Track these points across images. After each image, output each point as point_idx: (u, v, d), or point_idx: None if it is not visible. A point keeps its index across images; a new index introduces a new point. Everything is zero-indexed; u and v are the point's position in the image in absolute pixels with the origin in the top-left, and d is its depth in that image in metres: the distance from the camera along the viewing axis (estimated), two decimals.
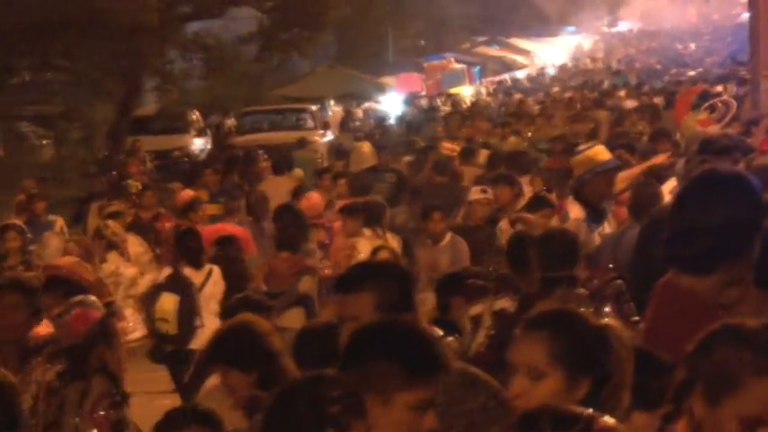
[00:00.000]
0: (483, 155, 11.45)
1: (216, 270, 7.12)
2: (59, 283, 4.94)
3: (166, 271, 7.17)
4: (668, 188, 5.65)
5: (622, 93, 21.25)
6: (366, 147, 14.46)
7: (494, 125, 16.95)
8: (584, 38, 55.31)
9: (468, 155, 11.44)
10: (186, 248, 7.11)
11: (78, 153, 23.13)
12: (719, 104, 8.10)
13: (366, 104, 29.45)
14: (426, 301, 5.35)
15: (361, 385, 2.33)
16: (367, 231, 7.67)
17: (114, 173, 15.19)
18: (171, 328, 6.80)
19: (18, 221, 8.94)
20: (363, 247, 7.35)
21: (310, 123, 23.63)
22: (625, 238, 5.13)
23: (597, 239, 5.78)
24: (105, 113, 23.62)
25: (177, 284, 6.90)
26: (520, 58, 44.29)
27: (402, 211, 9.28)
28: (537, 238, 4.74)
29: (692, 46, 46.75)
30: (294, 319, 6.61)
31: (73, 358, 4.26)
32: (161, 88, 25.68)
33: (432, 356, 2.40)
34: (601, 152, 6.21)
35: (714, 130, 7.33)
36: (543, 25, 51.51)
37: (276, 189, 10.32)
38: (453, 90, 32.93)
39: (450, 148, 12.35)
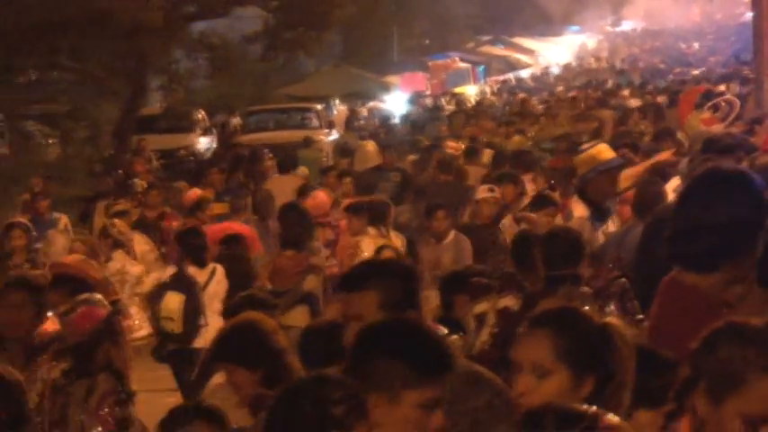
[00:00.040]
0: (487, 154, 11.45)
1: (219, 269, 7.13)
2: (66, 280, 4.96)
3: (171, 270, 7.18)
4: (672, 187, 5.65)
5: (626, 92, 21.24)
6: (371, 146, 14.45)
7: (498, 124, 16.95)
8: (588, 37, 55.24)
9: (471, 154, 11.44)
10: (190, 247, 7.12)
11: (84, 152, 23.17)
12: (723, 104, 8.09)
13: (371, 103, 29.48)
14: (429, 299, 5.35)
15: (368, 384, 2.33)
16: (371, 230, 7.68)
17: (120, 171, 15.22)
18: (176, 326, 6.82)
19: (23, 219, 8.96)
20: (367, 246, 7.36)
21: (315, 122, 23.65)
22: (629, 236, 5.14)
23: (601, 238, 5.78)
24: (111, 112, 23.65)
25: (182, 283, 6.91)
26: (524, 58, 44.28)
27: (406, 209, 9.29)
28: (541, 236, 4.75)
29: (696, 45, 46.66)
30: (299, 317, 6.62)
31: (78, 356, 4.27)
32: (166, 87, 25.73)
33: (439, 355, 2.40)
34: (604, 151, 6.22)
35: (718, 129, 7.32)
36: (547, 25, 51.48)
37: (281, 188, 10.33)
38: (458, 89, 32.93)
39: (454, 147, 12.35)
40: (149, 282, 7.60)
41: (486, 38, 46.36)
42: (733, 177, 2.88)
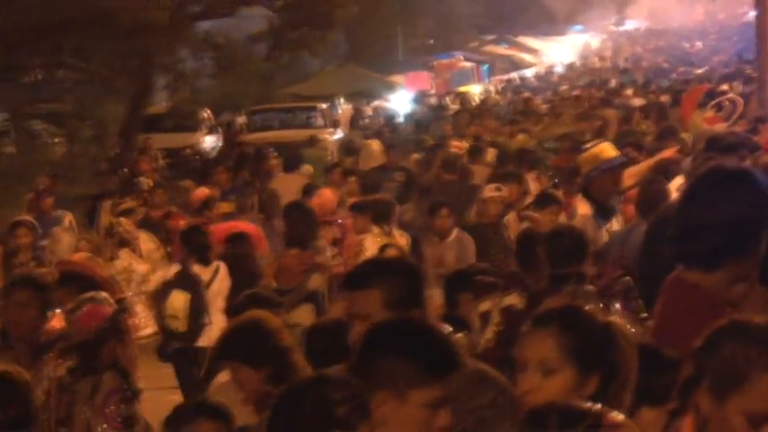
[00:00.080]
0: (490, 153, 11.45)
1: (223, 267, 7.14)
2: (73, 278, 4.98)
3: (175, 268, 7.19)
4: (675, 186, 5.65)
5: (629, 91, 21.24)
6: (375, 145, 14.47)
7: (502, 123, 16.96)
8: (592, 36, 55.26)
9: (475, 153, 11.45)
10: (194, 245, 7.13)
11: (90, 151, 23.22)
12: (726, 103, 8.09)
13: (375, 103, 29.49)
14: (433, 297, 5.35)
15: (374, 382, 2.33)
16: (375, 229, 7.69)
17: (126, 170, 15.25)
18: (181, 325, 6.83)
19: (28, 217, 8.98)
20: (371, 245, 7.38)
21: (320, 121, 23.69)
22: (632, 235, 5.14)
23: (605, 236, 5.79)
24: (116, 112, 23.69)
25: (186, 281, 6.92)
26: (528, 57, 44.30)
27: (410, 208, 9.31)
28: (545, 235, 4.75)
29: (699, 44, 46.66)
30: (303, 315, 6.63)
31: (84, 354, 4.29)
32: (172, 86, 25.78)
33: (446, 355, 2.40)
34: (607, 149, 6.23)
35: (721, 128, 7.32)
36: (551, 24, 51.50)
37: (287, 186, 10.35)
38: (462, 88, 32.93)
39: (458, 146, 12.35)
40: (155, 280, 7.61)
41: (490, 37, 46.37)
42: (736, 176, 2.88)
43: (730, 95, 8.88)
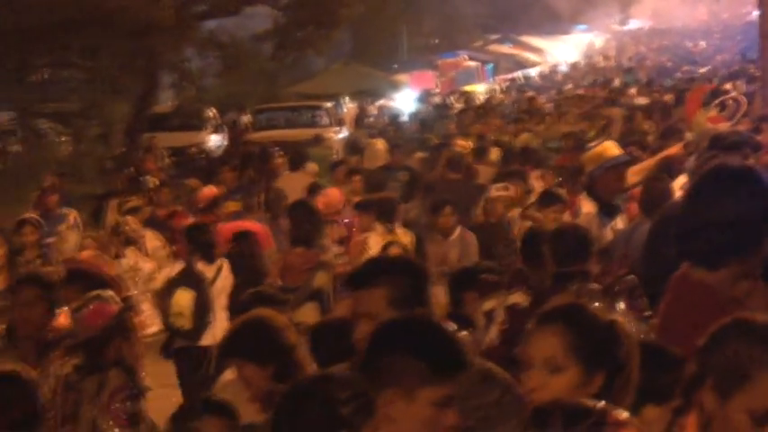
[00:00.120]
0: (494, 152, 11.46)
1: (226, 264, 7.15)
2: (79, 276, 5.00)
3: (179, 266, 7.20)
4: (679, 184, 5.66)
5: (633, 90, 21.24)
6: (380, 144, 14.47)
7: (506, 122, 16.97)
8: (596, 36, 55.24)
9: (480, 153, 11.46)
10: (198, 243, 7.13)
11: (96, 150, 23.24)
12: (730, 102, 8.08)
13: (380, 101, 29.50)
14: (436, 295, 5.36)
15: (383, 380, 2.34)
16: (378, 227, 7.71)
17: (132, 169, 15.27)
18: (186, 323, 6.84)
19: (34, 215, 9.00)
20: (374, 243, 7.39)
21: (325, 120, 23.71)
22: (636, 233, 5.14)
23: (610, 234, 5.80)
24: (122, 111, 23.73)
25: (191, 279, 6.93)
26: (532, 56, 44.29)
27: (415, 206, 9.32)
28: (550, 233, 4.75)
29: (703, 44, 46.65)
30: (308, 313, 6.65)
31: (90, 352, 4.30)
32: (178, 85, 25.83)
33: (455, 354, 2.41)
34: (610, 148, 6.25)
35: (724, 127, 7.31)
36: (555, 23, 51.49)
37: (292, 185, 10.37)
38: (467, 87, 32.94)
39: (462, 144, 12.36)
40: (160, 278, 7.63)
41: (494, 36, 46.38)
42: (740, 174, 2.89)
43: (733, 94, 8.86)
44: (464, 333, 3.78)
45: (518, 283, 4.59)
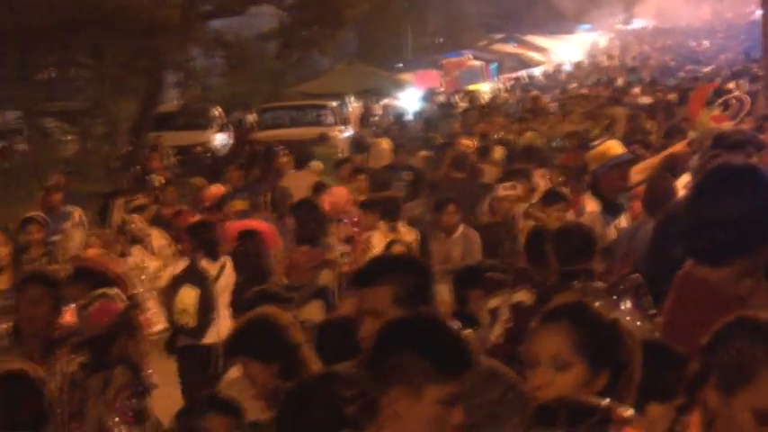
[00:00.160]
0: (498, 151, 11.48)
1: (229, 262, 7.17)
2: (86, 274, 5.02)
3: (183, 263, 7.22)
4: (682, 183, 5.67)
5: (637, 90, 21.23)
6: (385, 143, 14.51)
7: (511, 121, 16.98)
8: (600, 35, 55.23)
9: (484, 152, 11.48)
10: (201, 240, 7.14)
11: (102, 148, 23.31)
12: (734, 101, 8.08)
13: (385, 101, 29.52)
14: (439, 293, 5.37)
15: (390, 377, 2.35)
16: (382, 225, 7.73)
17: (138, 167, 15.30)
18: (191, 320, 6.86)
19: (39, 213, 9.02)
20: (378, 242, 7.41)
21: (330, 119, 23.73)
22: (640, 232, 5.15)
23: (614, 233, 5.81)
24: (128, 109, 23.77)
25: (195, 277, 6.95)
26: (536, 55, 44.29)
27: (420, 203, 9.34)
28: (554, 232, 4.76)
29: (706, 43, 46.61)
30: (313, 311, 6.66)
31: (95, 349, 4.32)
32: (183, 85, 25.87)
33: (462, 352, 2.42)
34: (614, 147, 6.27)
35: (728, 126, 7.32)
36: (559, 23, 51.52)
37: (297, 184, 10.41)
38: (471, 86, 32.94)
39: (466, 144, 12.38)
40: (166, 276, 7.65)
41: (498, 36, 46.39)
42: (744, 172, 2.90)
43: (737, 93, 8.86)
44: (468, 331, 3.79)
45: (523, 282, 4.60)
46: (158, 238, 8.71)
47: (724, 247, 2.80)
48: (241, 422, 3.31)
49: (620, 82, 26.83)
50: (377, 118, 26.65)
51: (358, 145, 16.63)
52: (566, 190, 7.22)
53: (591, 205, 6.02)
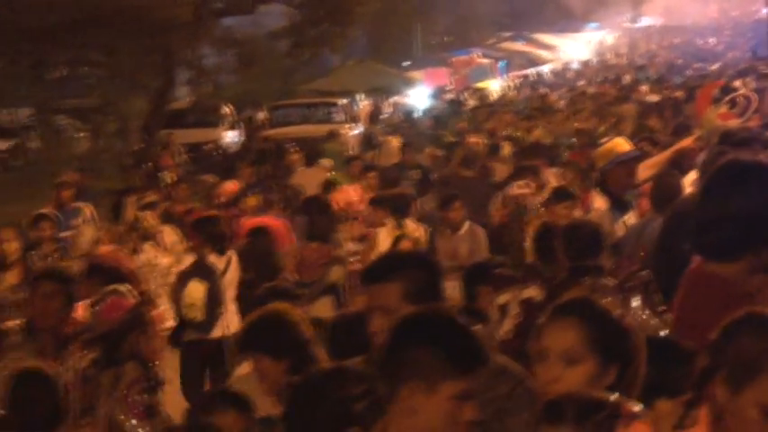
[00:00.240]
0: (506, 148, 11.49)
1: (234, 256, 7.19)
2: (99, 270, 5.05)
3: (190, 257, 7.23)
4: (689, 180, 5.67)
5: (645, 87, 21.20)
6: (395, 141, 14.53)
7: (519, 118, 16.97)
8: (608, 33, 55.16)
9: (494, 150, 11.50)
10: (209, 235, 7.15)
11: (114, 146, 23.41)
12: (741, 99, 8.06)
13: (394, 98, 29.52)
14: (446, 289, 5.37)
15: (404, 373, 2.35)
16: (389, 222, 7.74)
17: (150, 164, 15.34)
18: (199, 314, 6.88)
19: (51, 210, 9.06)
20: (384, 238, 7.43)
21: (340, 117, 23.76)
22: (647, 229, 5.15)
23: (622, 229, 5.81)
24: (140, 107, 23.86)
25: (203, 271, 6.96)
26: (545, 53, 44.28)
27: (431, 199, 9.36)
28: (562, 229, 4.77)
29: (713, 41, 46.49)
30: (323, 308, 6.69)
31: (107, 345, 4.34)
32: (194, 82, 25.95)
33: (476, 348, 2.42)
34: (621, 144, 6.28)
35: (734, 124, 7.31)
36: (567, 21, 51.52)
37: (308, 180, 10.45)
38: (480, 84, 32.93)
39: (475, 141, 12.39)
40: (176, 272, 7.67)
41: (507, 34, 46.40)
42: (753, 168, 2.90)
43: (743, 91, 8.85)
44: (477, 327, 3.80)
45: (532, 278, 4.61)
46: (170, 234, 8.73)
47: (732, 243, 2.80)
48: (252, 417, 3.32)
49: (627, 79, 26.77)
50: (386, 115, 26.67)
51: (368, 142, 16.65)
52: (574, 187, 7.21)
53: (599, 202, 6.03)
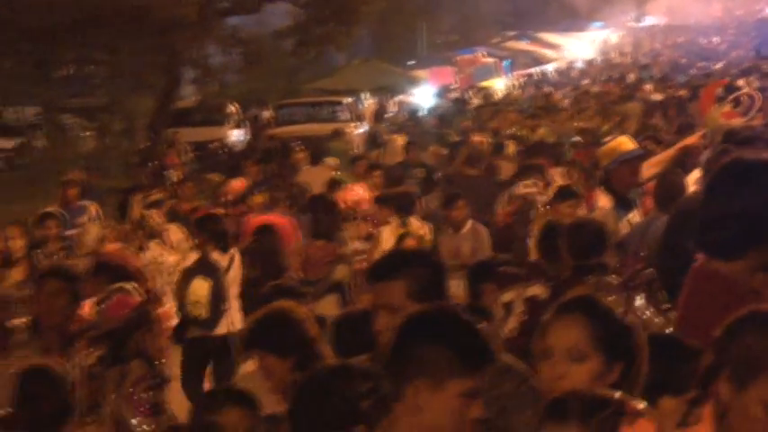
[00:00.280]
0: (511, 147, 11.49)
1: (237, 254, 7.20)
2: (105, 268, 5.07)
3: (194, 255, 7.25)
4: (693, 179, 5.67)
5: (649, 86, 21.19)
6: (400, 140, 14.55)
7: (524, 117, 16.98)
8: (612, 32, 55.16)
9: (499, 149, 11.50)
10: (212, 232, 7.16)
11: (120, 144, 23.47)
12: (744, 98, 8.06)
13: (399, 97, 29.55)
14: (450, 287, 5.37)
15: (412, 371, 2.35)
16: (393, 220, 7.75)
17: (156, 162, 15.36)
18: (204, 311, 6.89)
19: (57, 208, 9.08)
20: (388, 236, 7.44)
21: (345, 115, 23.79)
22: (651, 227, 5.15)
23: (626, 228, 5.82)
24: (146, 106, 23.91)
25: (207, 268, 6.98)
26: (549, 52, 44.29)
27: (435, 197, 9.37)
28: (566, 227, 4.78)
29: (716, 40, 46.44)
30: (329, 306, 6.70)
31: (112, 343, 4.35)
32: (200, 81, 26.00)
33: (484, 346, 2.42)
34: (625, 142, 6.29)
35: (738, 122, 7.31)
36: (572, 20, 51.53)
37: (313, 179, 10.46)
38: (485, 83, 32.93)
39: (479, 140, 12.39)
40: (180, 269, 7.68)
41: (511, 33, 46.45)
42: (757, 166, 2.90)
43: (746, 90, 8.84)
44: (482, 325, 3.80)
45: (536, 276, 4.61)
46: (176, 232, 8.75)
47: (736, 241, 2.80)
48: (257, 415, 3.33)
49: (631, 78, 26.76)
50: (391, 114, 26.68)
51: (373, 141, 16.67)
52: (578, 185, 7.22)
53: (603, 201, 6.04)
